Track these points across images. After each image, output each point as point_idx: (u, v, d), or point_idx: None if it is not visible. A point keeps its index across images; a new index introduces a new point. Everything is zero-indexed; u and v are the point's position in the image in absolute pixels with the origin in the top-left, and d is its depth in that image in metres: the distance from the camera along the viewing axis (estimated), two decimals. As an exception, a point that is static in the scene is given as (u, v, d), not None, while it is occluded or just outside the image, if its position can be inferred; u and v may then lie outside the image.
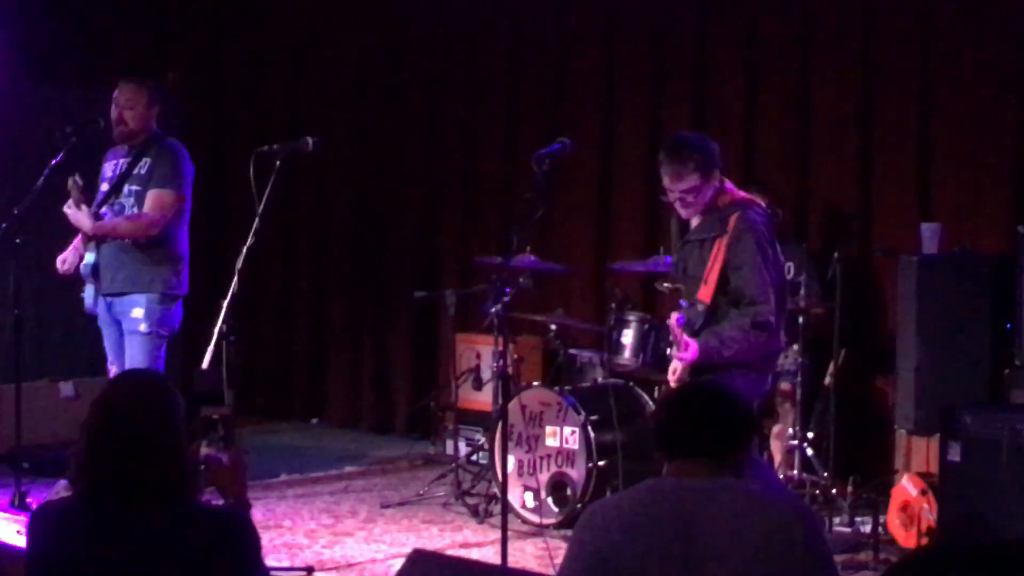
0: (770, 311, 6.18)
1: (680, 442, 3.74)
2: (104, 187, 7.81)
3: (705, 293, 6.27)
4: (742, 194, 6.47)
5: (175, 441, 3.69)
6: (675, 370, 6.29)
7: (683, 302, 6.44)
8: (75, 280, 7.83)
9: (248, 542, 3.71)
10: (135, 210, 7.67)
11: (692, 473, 3.68)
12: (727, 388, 3.91)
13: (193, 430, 4.02)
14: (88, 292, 7.75)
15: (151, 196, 7.63)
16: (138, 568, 3.55)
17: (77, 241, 7.82)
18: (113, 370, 7.87)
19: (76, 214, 7.60)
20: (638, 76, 9.73)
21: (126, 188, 7.70)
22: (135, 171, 7.71)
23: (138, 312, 7.61)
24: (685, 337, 6.21)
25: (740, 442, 3.77)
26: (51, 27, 11.22)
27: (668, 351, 7.69)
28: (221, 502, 4.15)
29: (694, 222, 6.45)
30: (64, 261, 7.80)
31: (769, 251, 6.27)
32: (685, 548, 3.52)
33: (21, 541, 5.09)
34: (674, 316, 6.32)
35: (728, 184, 6.45)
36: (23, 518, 6.53)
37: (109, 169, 7.86)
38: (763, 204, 6.51)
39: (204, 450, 4.29)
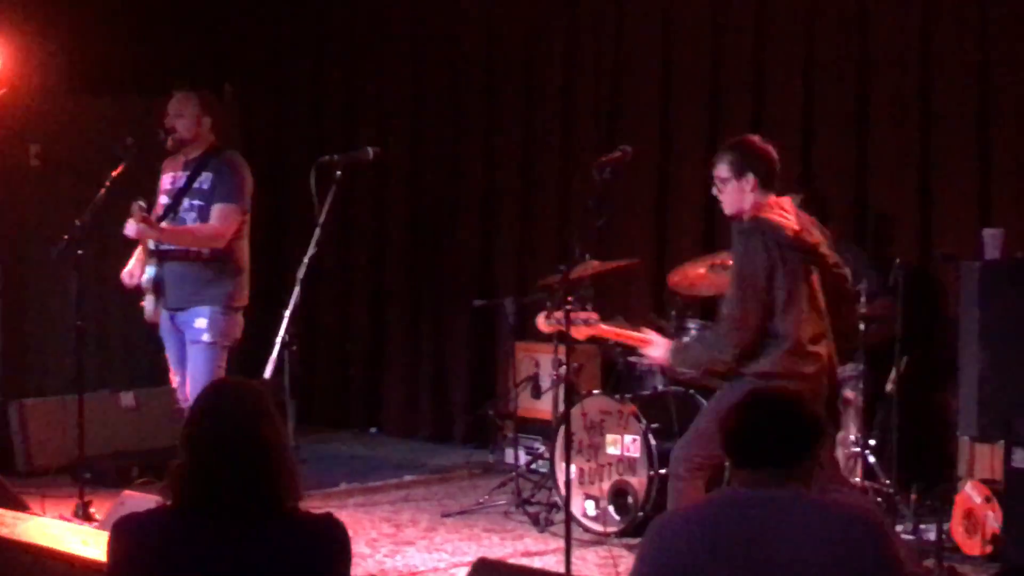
0: None
1: (748, 451, 3.71)
2: (163, 199, 7.84)
3: None
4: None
5: (282, 450, 3.69)
6: None
7: None
8: (137, 290, 7.86)
9: (346, 549, 3.71)
10: (196, 224, 7.70)
11: (760, 483, 3.66)
12: (796, 396, 3.89)
13: None
14: (148, 301, 7.78)
15: (216, 210, 7.66)
16: None
17: (139, 252, 7.86)
18: (175, 380, 7.91)
19: (140, 228, 7.59)
20: (695, 82, 9.69)
21: (186, 202, 7.72)
22: (195, 185, 7.73)
23: (201, 322, 7.64)
24: None
25: (809, 451, 3.75)
26: (109, 39, 11.28)
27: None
28: None
29: None
30: (132, 275, 7.83)
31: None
32: (755, 559, 3.50)
33: (87, 551, 5.12)
34: None
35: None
36: (87, 528, 6.57)
37: (167, 181, 7.89)
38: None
39: None
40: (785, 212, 6.36)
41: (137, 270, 7.82)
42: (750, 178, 6.38)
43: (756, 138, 6.60)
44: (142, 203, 7.61)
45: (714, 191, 6.52)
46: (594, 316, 6.71)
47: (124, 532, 3.67)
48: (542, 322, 6.79)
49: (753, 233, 6.30)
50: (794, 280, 6.27)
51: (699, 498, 6.33)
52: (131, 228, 7.62)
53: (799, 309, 6.27)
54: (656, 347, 6.56)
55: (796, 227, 6.34)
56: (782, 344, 6.24)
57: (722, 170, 6.45)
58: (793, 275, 6.27)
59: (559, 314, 6.66)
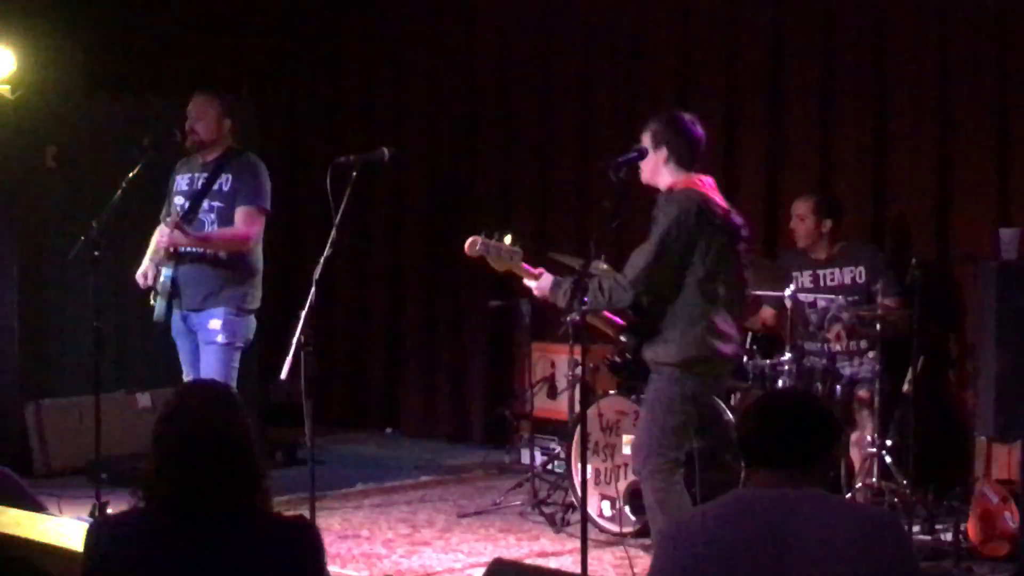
0: None
1: (765, 452, 3.70)
2: (179, 200, 7.87)
3: None
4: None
5: (249, 451, 3.71)
6: None
7: None
8: (152, 291, 7.89)
9: (319, 551, 3.72)
10: (215, 226, 7.74)
11: (777, 483, 3.65)
12: (812, 397, 3.89)
13: None
14: (160, 303, 7.81)
15: (240, 213, 7.71)
16: None
17: (151, 253, 7.89)
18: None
19: (174, 235, 7.65)
20: (711, 80, 9.67)
21: (206, 203, 7.77)
22: (215, 187, 7.78)
23: (216, 324, 7.69)
24: None
25: (825, 451, 3.74)
26: (127, 40, 11.31)
27: (744, 359, 7.74)
28: None
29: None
30: (145, 276, 7.86)
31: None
32: (774, 560, 3.49)
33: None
34: None
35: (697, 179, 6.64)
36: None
37: (183, 183, 7.92)
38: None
39: None
40: (714, 191, 6.61)
41: (151, 271, 7.85)
42: (663, 151, 6.59)
43: (686, 116, 6.81)
44: (178, 211, 7.69)
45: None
46: (519, 252, 6.71)
47: (98, 533, 3.71)
48: (468, 246, 6.76)
49: (687, 203, 6.45)
50: (717, 259, 6.46)
51: (683, 500, 6.57)
52: (164, 235, 7.66)
53: (720, 288, 6.48)
54: (543, 281, 6.64)
55: (725, 207, 6.57)
56: (699, 323, 6.43)
57: (644, 138, 6.70)
58: (717, 254, 6.46)
59: (492, 243, 6.68)
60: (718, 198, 6.61)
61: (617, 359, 7.10)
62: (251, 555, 3.60)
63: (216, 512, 3.61)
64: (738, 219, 6.68)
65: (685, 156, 6.63)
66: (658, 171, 6.63)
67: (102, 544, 3.67)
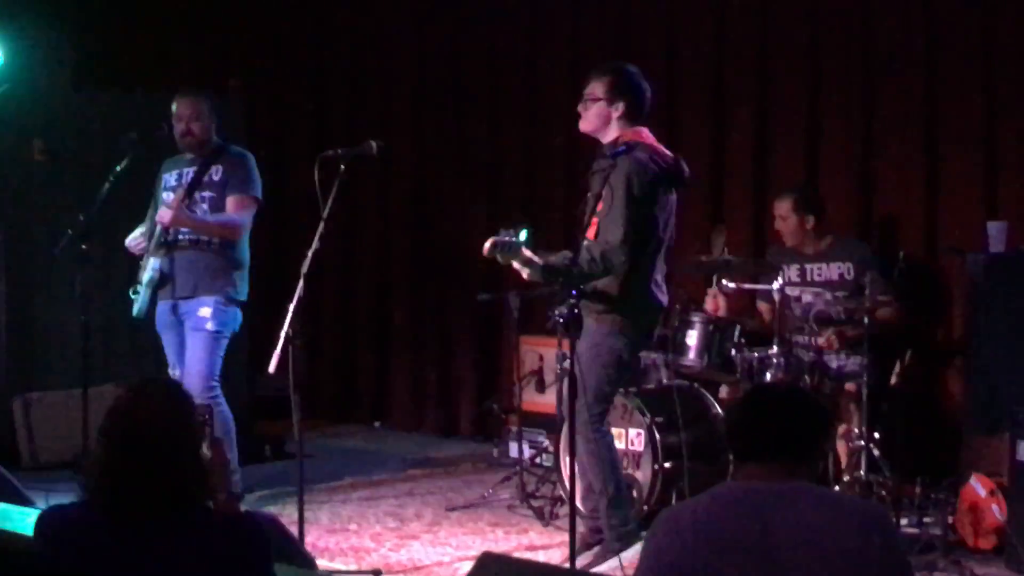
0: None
1: (753, 445, 3.71)
2: (168, 197, 7.90)
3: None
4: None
5: (196, 452, 3.72)
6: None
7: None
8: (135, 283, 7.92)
9: (264, 550, 3.72)
10: (207, 217, 7.80)
11: (766, 476, 3.66)
12: (800, 390, 3.89)
13: None
14: (142, 296, 7.83)
15: (232, 200, 7.81)
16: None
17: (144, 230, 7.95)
18: (175, 374, 7.93)
19: (175, 214, 7.71)
20: (699, 79, 9.66)
21: (198, 195, 7.85)
22: (206, 178, 7.86)
23: (206, 311, 7.77)
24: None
25: (814, 444, 3.75)
26: (114, 33, 11.28)
27: (733, 352, 7.74)
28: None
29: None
30: (139, 243, 7.93)
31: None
32: (762, 552, 3.50)
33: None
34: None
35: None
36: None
37: (172, 179, 7.99)
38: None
39: None
40: (656, 142, 6.69)
41: (143, 244, 7.93)
42: (620, 106, 6.68)
43: (635, 69, 6.90)
44: (180, 192, 7.72)
45: (580, 107, 6.80)
46: (517, 245, 6.46)
47: (45, 523, 3.74)
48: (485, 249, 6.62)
49: (642, 155, 6.52)
50: (665, 208, 6.61)
51: (611, 451, 6.80)
52: (166, 215, 7.71)
53: (664, 237, 6.62)
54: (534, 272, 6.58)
55: (670, 155, 6.67)
56: (648, 272, 6.57)
57: (596, 89, 6.74)
58: (666, 203, 6.61)
59: (499, 239, 6.44)
60: (661, 148, 6.70)
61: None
62: (193, 552, 3.62)
63: (158, 509, 3.63)
64: (685, 167, 6.82)
65: (637, 112, 6.72)
66: (608, 123, 6.66)
67: (48, 534, 3.71)
